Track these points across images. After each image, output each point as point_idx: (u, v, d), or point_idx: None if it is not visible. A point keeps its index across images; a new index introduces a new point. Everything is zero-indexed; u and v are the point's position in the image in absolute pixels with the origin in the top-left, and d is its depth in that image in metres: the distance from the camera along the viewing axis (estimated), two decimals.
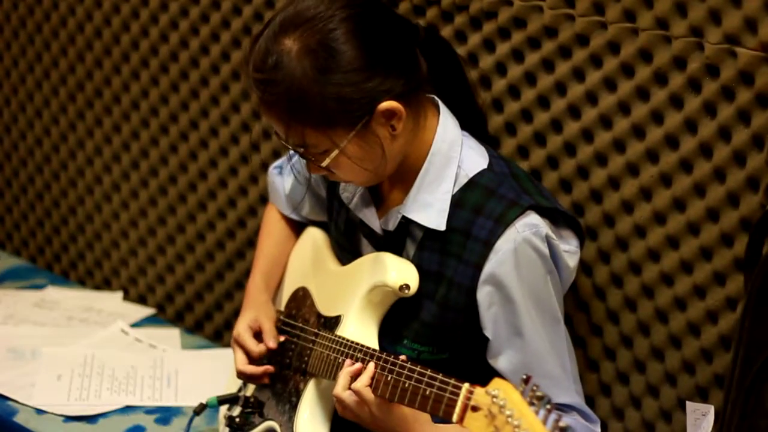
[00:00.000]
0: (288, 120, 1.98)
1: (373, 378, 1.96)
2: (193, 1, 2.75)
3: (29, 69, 3.10)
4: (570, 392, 2.06)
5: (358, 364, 1.99)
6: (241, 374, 2.24)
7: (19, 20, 3.09)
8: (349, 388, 1.98)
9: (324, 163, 2.01)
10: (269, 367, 2.22)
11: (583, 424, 2.06)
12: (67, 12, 2.98)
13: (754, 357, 1.85)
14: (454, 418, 1.80)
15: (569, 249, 2.08)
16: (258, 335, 2.25)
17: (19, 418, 2.43)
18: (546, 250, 2.02)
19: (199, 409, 2.28)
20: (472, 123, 2.16)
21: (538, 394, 1.66)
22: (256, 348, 2.23)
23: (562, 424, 1.62)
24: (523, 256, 2.01)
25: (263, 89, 1.99)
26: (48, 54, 3.05)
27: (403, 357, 1.95)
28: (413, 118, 2.04)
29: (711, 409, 2.04)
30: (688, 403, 2.08)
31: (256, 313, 2.28)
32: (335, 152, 2.00)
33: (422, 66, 2.08)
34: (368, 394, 1.96)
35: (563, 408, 2.05)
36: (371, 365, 1.97)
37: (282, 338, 2.24)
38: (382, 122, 2.00)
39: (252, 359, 2.24)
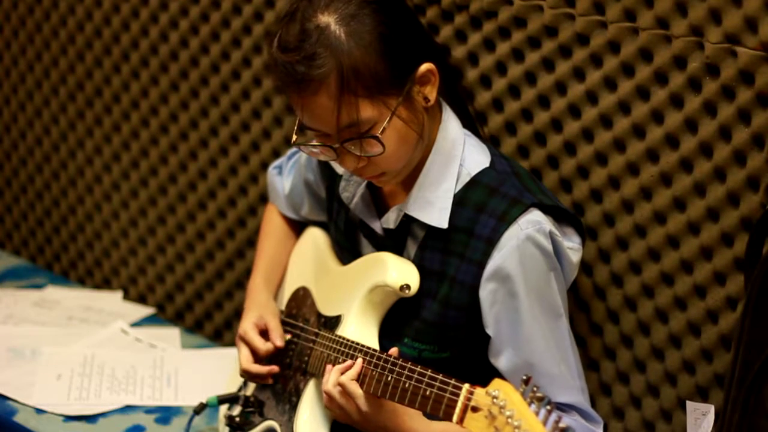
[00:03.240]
0: (340, 95, 1.95)
1: (360, 373, 1.96)
2: (193, 1, 2.75)
3: (29, 68, 3.10)
4: (572, 391, 2.06)
5: (348, 362, 1.99)
6: (245, 372, 2.23)
7: (19, 19, 3.09)
8: (339, 384, 1.98)
9: (378, 135, 1.98)
10: (274, 367, 2.22)
11: (582, 425, 2.06)
12: (66, 11, 2.98)
13: (754, 357, 1.86)
14: (454, 418, 1.80)
15: (572, 246, 2.08)
16: (264, 334, 2.25)
17: (19, 418, 2.43)
18: (549, 247, 2.03)
19: (199, 409, 2.28)
20: (466, 128, 2.16)
21: (539, 394, 1.66)
22: (263, 346, 2.22)
23: (562, 424, 1.63)
24: (527, 252, 2.01)
25: (312, 66, 1.94)
26: (48, 53, 3.05)
27: (393, 351, 1.95)
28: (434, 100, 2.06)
29: (711, 409, 2.04)
30: (688, 402, 2.08)
31: (261, 311, 2.27)
32: (386, 121, 1.97)
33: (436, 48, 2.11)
34: (354, 387, 1.96)
35: (563, 408, 2.05)
36: (359, 360, 1.98)
37: (288, 336, 2.24)
38: (418, 89, 2.01)
39: (257, 358, 2.23)
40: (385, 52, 1.97)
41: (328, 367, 2.02)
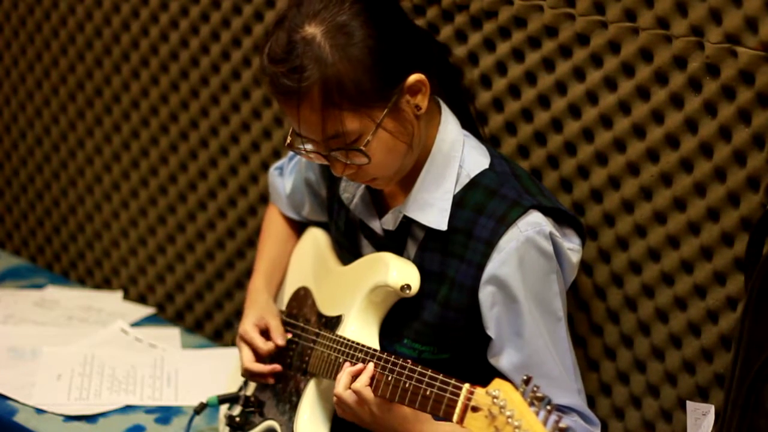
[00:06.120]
0: (324, 107, 1.95)
1: (372, 378, 1.96)
2: (193, 1, 2.75)
3: (29, 68, 3.10)
4: (570, 393, 2.06)
5: (360, 365, 1.99)
6: (247, 372, 2.23)
7: (19, 19, 3.09)
8: (350, 388, 1.98)
9: (362, 146, 1.97)
10: (277, 366, 2.21)
11: (582, 426, 2.06)
12: (67, 11, 2.98)
13: (754, 357, 1.85)
14: (455, 418, 1.80)
15: (572, 246, 2.08)
16: (264, 333, 2.25)
17: (19, 418, 2.43)
18: (550, 248, 2.02)
19: (200, 409, 2.28)
20: (466, 127, 2.15)
21: (539, 394, 1.66)
22: (264, 345, 2.22)
23: (562, 425, 1.63)
24: (527, 255, 2.01)
25: (295, 79, 1.95)
26: (48, 53, 3.05)
27: (409, 363, 1.95)
28: (428, 105, 2.05)
29: (711, 409, 2.04)
30: (688, 402, 2.08)
31: (261, 312, 2.27)
32: (372, 133, 1.97)
33: (432, 54, 2.09)
34: (368, 393, 1.96)
35: (563, 409, 2.05)
36: (370, 365, 1.97)
37: (289, 335, 2.24)
38: (408, 98, 2.00)
39: (259, 357, 2.23)
40: (371, 65, 1.96)
41: (345, 370, 2.01)
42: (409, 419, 1.97)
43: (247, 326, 2.25)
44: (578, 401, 2.07)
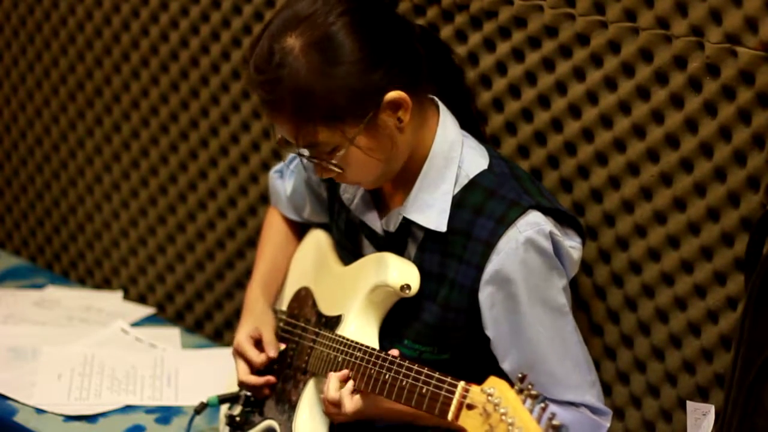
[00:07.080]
0: (297, 119, 1.97)
1: (356, 378, 1.99)
2: (193, 1, 2.75)
3: (29, 68, 3.10)
4: (578, 388, 2.05)
5: (345, 371, 2.01)
6: (243, 384, 2.25)
7: (19, 19, 3.09)
8: (340, 392, 2.00)
9: (335, 160, 1.99)
10: (271, 378, 2.22)
11: (588, 417, 2.06)
12: (67, 11, 2.98)
13: (755, 357, 1.86)
14: (450, 416, 1.80)
15: (573, 245, 2.08)
16: (259, 344, 2.26)
17: (19, 418, 2.43)
18: (549, 247, 2.02)
19: (200, 408, 2.28)
20: (467, 126, 2.15)
21: (533, 392, 1.67)
22: (258, 358, 2.23)
23: (555, 422, 1.63)
24: (526, 255, 2.01)
25: (269, 90, 1.97)
26: (48, 53, 3.05)
27: (394, 352, 1.97)
28: (417, 113, 2.04)
29: (711, 409, 2.04)
30: (688, 402, 2.08)
31: (256, 322, 2.28)
32: (346, 146, 1.98)
33: (423, 61, 2.08)
34: (356, 398, 1.99)
35: (575, 404, 2.05)
36: (345, 371, 2.01)
37: (282, 346, 2.25)
38: (389, 114, 2.00)
39: (253, 369, 2.24)
40: (346, 83, 1.95)
41: (330, 374, 2.03)
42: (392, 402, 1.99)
43: (241, 338, 2.26)
44: (587, 396, 2.06)
